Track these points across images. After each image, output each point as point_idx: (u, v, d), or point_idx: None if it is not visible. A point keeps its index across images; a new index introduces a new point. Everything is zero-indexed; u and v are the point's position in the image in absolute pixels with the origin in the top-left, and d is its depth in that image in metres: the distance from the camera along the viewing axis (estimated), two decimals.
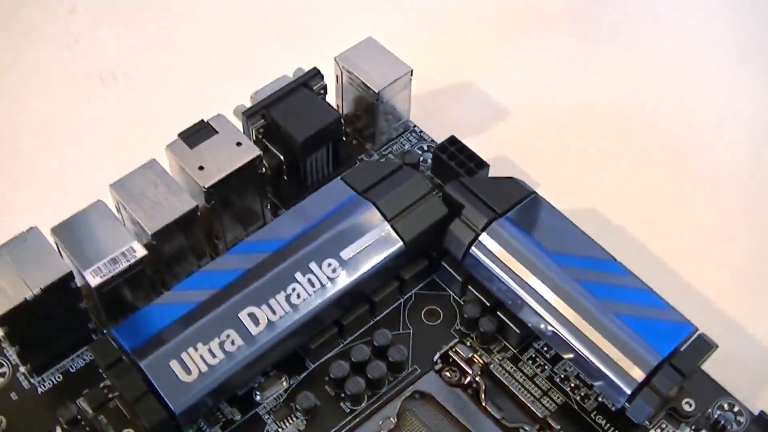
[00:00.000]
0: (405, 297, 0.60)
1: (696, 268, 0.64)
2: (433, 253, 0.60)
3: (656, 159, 0.70)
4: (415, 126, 0.69)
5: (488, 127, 0.72)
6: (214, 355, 0.53)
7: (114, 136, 0.72)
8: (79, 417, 0.54)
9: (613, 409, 0.55)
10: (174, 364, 0.52)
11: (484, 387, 0.56)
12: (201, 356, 0.52)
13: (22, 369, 0.57)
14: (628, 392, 0.53)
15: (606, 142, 0.71)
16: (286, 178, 0.63)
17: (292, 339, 0.55)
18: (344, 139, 0.65)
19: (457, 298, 0.60)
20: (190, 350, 0.52)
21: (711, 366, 0.56)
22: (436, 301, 0.60)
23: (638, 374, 0.52)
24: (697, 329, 0.54)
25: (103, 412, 0.55)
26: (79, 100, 0.74)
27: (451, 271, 0.59)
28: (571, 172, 0.69)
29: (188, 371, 0.52)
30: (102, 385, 0.55)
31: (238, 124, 0.62)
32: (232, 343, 0.53)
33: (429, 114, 0.71)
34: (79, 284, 0.54)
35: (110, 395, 0.55)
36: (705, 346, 0.54)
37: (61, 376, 0.57)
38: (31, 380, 0.57)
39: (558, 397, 0.56)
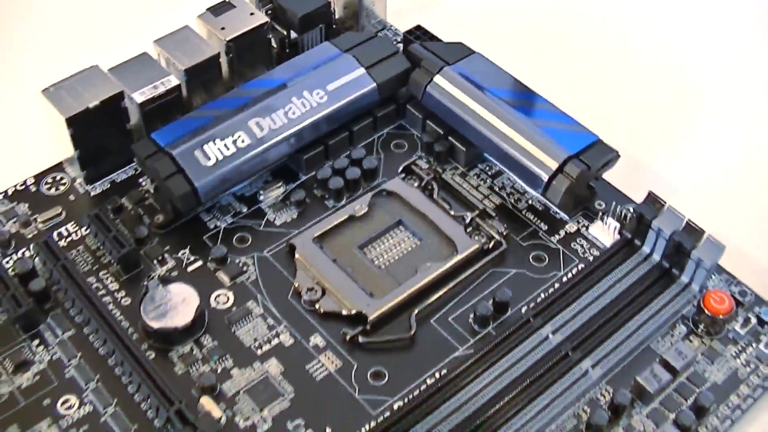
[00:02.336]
0: (378, 134, 0.74)
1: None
2: (400, 101, 0.75)
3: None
4: (391, 26, 0.84)
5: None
6: (228, 149, 0.67)
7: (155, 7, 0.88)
8: (120, 208, 0.69)
9: (539, 207, 0.69)
10: (197, 153, 0.66)
11: (436, 188, 0.70)
12: (218, 149, 0.67)
13: (78, 180, 0.71)
14: (545, 178, 0.66)
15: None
16: (288, 51, 0.78)
17: (287, 144, 0.69)
18: (333, 26, 0.80)
19: (418, 135, 0.74)
20: (210, 144, 0.67)
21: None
22: (402, 137, 0.74)
23: (552, 164, 0.67)
24: (599, 138, 0.68)
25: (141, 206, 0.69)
26: None
27: (413, 110, 0.74)
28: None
29: (208, 158, 0.66)
30: (139, 189, 0.70)
31: (252, 8, 0.77)
32: (242, 141, 0.67)
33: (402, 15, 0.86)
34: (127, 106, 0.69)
35: (146, 195, 0.70)
36: (607, 149, 0.68)
37: (108, 184, 0.72)
38: (86, 187, 0.71)
39: (496, 200, 0.70)
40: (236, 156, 0.67)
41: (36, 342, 0.63)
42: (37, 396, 0.60)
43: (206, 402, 0.59)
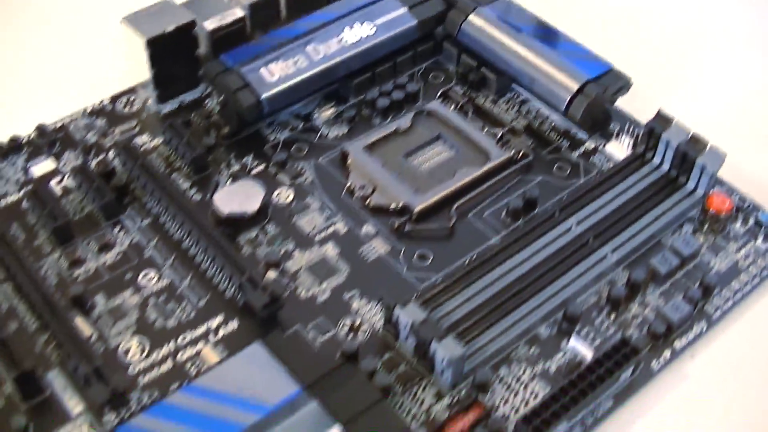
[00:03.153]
0: (417, 67, 0.82)
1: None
2: (437, 39, 0.83)
3: None
4: None
5: None
6: (288, 68, 0.75)
7: None
8: (189, 123, 0.76)
9: (561, 129, 0.77)
10: (262, 71, 0.74)
11: (470, 110, 0.77)
12: (280, 68, 0.74)
13: (150, 100, 0.79)
14: (567, 98, 0.74)
15: None
16: None
17: (339, 68, 0.77)
18: None
19: (454, 69, 0.82)
20: (272, 64, 0.74)
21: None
22: (439, 71, 0.82)
23: (573, 85, 0.74)
24: (613, 67, 0.76)
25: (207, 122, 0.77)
26: None
27: (449, 47, 0.82)
28: None
29: (271, 75, 0.74)
30: (206, 107, 0.78)
31: None
32: (301, 63, 0.75)
33: None
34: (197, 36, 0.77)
35: (211, 113, 0.77)
36: (620, 76, 0.76)
37: (177, 104, 0.79)
38: (157, 106, 0.78)
39: (523, 122, 0.78)
40: (295, 74, 0.75)
41: (117, 228, 0.69)
42: (120, 271, 0.67)
43: (272, 275, 0.66)
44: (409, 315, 0.61)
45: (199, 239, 0.67)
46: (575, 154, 0.75)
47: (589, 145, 0.76)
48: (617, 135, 0.77)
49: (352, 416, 0.57)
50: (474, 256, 0.68)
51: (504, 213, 0.71)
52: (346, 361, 0.61)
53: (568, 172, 0.74)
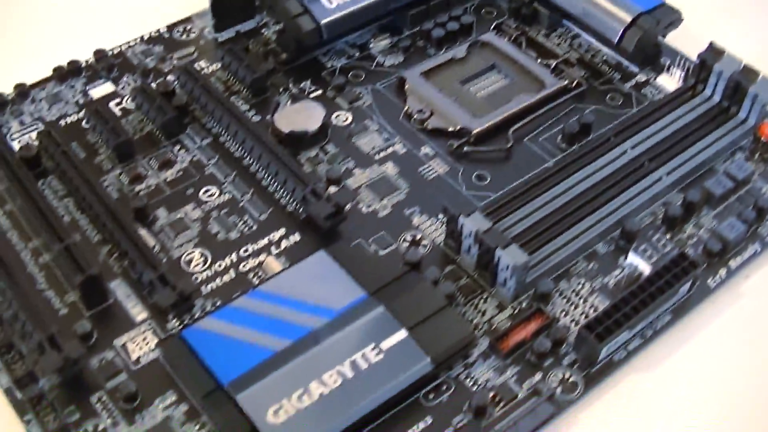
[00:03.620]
0: (470, 3, 0.82)
1: None
2: None
3: None
4: None
5: None
6: None
7: None
8: (247, 50, 0.75)
9: (613, 62, 0.76)
10: None
11: (524, 42, 0.77)
12: None
13: (207, 29, 0.78)
14: (621, 29, 0.74)
15: None
16: None
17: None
18: None
19: (506, 6, 0.81)
20: None
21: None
22: (491, 5, 0.82)
23: (627, 17, 0.74)
24: (665, 1, 0.76)
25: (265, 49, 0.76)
26: None
27: None
28: None
29: (330, 2, 0.73)
30: (263, 35, 0.77)
31: None
32: None
33: None
34: None
35: (270, 41, 0.77)
36: (672, 11, 0.75)
37: (234, 33, 0.78)
38: (214, 34, 0.78)
39: (575, 55, 0.77)
40: (354, 2, 0.74)
41: (177, 147, 0.69)
42: (181, 186, 0.66)
43: (334, 190, 0.65)
44: (473, 223, 0.60)
45: (261, 156, 0.66)
46: (627, 86, 0.75)
47: (641, 77, 0.76)
48: (667, 69, 0.76)
49: (417, 321, 0.57)
50: (532, 177, 0.67)
51: (559, 138, 0.70)
52: (410, 270, 0.60)
53: (621, 102, 0.73)
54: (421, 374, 0.55)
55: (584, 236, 0.63)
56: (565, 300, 0.61)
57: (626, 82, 0.75)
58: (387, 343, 0.56)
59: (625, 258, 0.63)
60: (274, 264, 0.62)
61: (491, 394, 0.56)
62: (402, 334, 0.56)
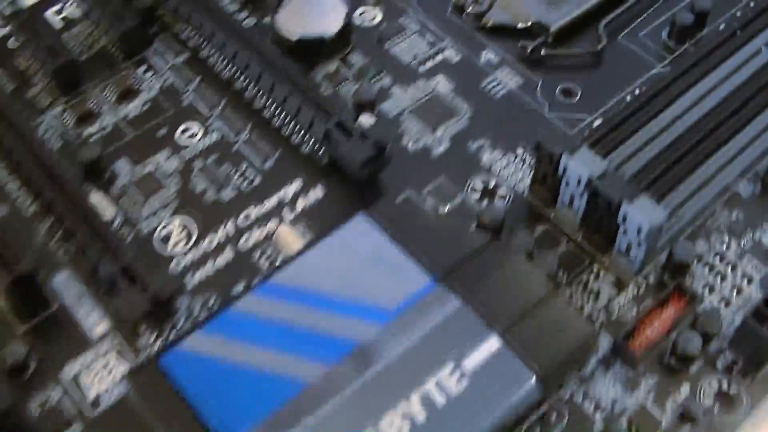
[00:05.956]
0: None
1: None
2: None
3: None
4: None
5: None
6: None
7: None
8: None
9: None
10: None
11: None
12: None
13: None
14: None
15: None
16: None
17: None
18: None
19: None
20: None
21: None
22: None
23: None
24: None
25: None
26: None
27: None
28: None
29: None
30: None
31: None
32: None
33: None
34: None
35: None
36: None
37: None
38: None
39: None
40: None
41: (143, 68, 0.44)
42: (149, 125, 0.42)
43: (367, 119, 0.41)
44: (582, 165, 0.36)
45: (261, 75, 0.41)
46: None
47: None
48: None
49: (513, 320, 0.33)
50: (636, 90, 0.43)
51: (666, 32, 0.46)
52: (491, 239, 0.36)
53: None
54: (526, 402, 0.32)
55: (724, 174, 0.39)
56: (707, 268, 0.38)
57: None
58: (473, 360, 0.32)
59: None
60: (289, 236, 0.38)
61: (624, 422, 0.34)
62: (494, 343, 0.33)
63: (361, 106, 0.41)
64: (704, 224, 0.39)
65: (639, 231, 0.35)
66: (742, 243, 0.39)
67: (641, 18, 0.46)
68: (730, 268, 0.38)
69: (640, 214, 0.35)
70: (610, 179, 0.36)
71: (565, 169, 0.36)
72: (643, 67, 0.44)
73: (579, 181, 0.36)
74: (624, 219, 0.36)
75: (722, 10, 0.46)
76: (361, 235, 0.36)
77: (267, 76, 0.41)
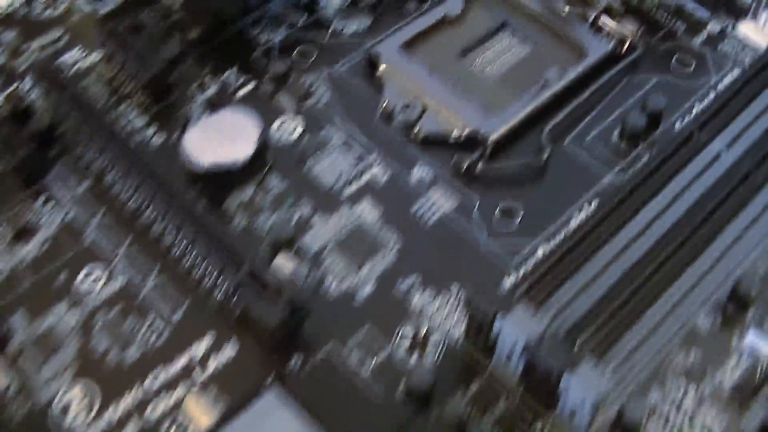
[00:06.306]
0: None
1: None
2: None
3: None
4: None
5: None
6: None
7: None
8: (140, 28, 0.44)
9: (672, 3, 0.46)
10: None
11: None
12: None
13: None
14: None
15: None
16: None
17: None
18: None
19: None
20: None
21: None
22: None
23: None
24: None
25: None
26: None
27: None
28: None
29: None
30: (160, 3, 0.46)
31: None
32: None
33: None
34: None
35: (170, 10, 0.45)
36: None
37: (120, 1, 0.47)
38: (93, 4, 0.46)
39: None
40: None
41: (42, 200, 0.39)
42: (48, 270, 0.37)
43: (284, 261, 0.36)
44: (519, 328, 0.32)
45: (168, 208, 0.37)
46: (697, 41, 0.45)
47: (714, 26, 0.46)
48: (752, 12, 0.46)
49: None
50: (583, 205, 0.38)
51: (617, 133, 0.41)
52: (417, 409, 0.32)
53: (693, 67, 0.44)
54: None
55: (678, 313, 0.35)
56: (662, 422, 0.34)
57: (695, 35, 0.45)
58: None
59: (741, 337, 0.36)
60: (197, 409, 0.34)
61: None
62: None
63: (279, 244, 0.37)
64: (659, 367, 0.35)
65: (583, 402, 0.31)
66: (701, 389, 0.35)
67: (588, 118, 0.41)
68: (688, 419, 0.34)
69: (583, 386, 0.31)
70: (549, 342, 0.32)
71: (499, 332, 0.32)
72: (591, 177, 0.40)
73: (515, 344, 0.32)
74: (566, 388, 0.32)
75: (673, 108, 0.42)
76: (273, 416, 0.31)
77: (175, 209, 0.37)
